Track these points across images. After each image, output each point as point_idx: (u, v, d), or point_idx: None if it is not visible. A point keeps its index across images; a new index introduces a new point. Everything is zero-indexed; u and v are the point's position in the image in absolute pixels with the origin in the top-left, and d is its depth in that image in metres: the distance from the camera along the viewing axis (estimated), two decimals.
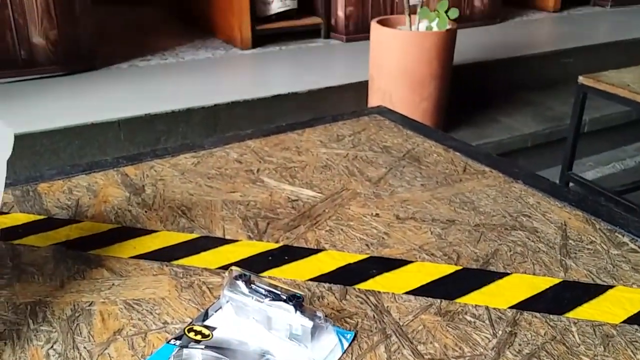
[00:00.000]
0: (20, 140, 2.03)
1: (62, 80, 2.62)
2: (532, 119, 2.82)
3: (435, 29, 2.40)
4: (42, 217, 0.76)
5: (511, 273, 0.65)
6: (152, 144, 2.29)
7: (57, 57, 2.59)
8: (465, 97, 2.88)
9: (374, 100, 2.54)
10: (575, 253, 0.69)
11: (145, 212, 0.77)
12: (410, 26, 2.47)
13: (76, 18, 2.59)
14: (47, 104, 2.35)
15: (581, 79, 2.11)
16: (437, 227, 0.74)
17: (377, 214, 0.77)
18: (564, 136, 2.41)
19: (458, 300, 0.61)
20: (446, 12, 2.38)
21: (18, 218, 0.75)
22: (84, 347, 0.54)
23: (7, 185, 0.80)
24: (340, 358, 0.53)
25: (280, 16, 3.32)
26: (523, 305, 0.60)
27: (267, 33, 3.27)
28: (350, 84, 2.71)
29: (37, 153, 2.07)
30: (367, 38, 2.56)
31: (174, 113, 2.31)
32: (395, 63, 2.40)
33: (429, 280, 0.64)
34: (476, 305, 0.60)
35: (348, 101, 2.71)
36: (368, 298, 0.61)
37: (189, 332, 0.54)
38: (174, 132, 2.33)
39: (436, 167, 0.91)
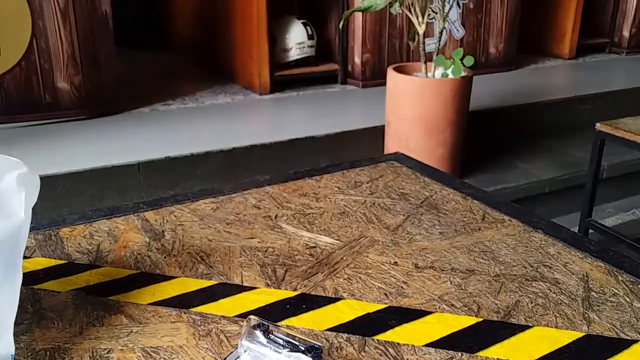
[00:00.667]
0: (43, 182, 2.06)
1: (85, 123, 2.68)
2: (550, 165, 2.80)
3: (451, 75, 2.44)
4: (63, 262, 0.76)
5: (533, 326, 0.64)
6: (171, 187, 2.32)
7: (80, 102, 2.66)
8: (482, 143, 2.89)
9: (390, 145, 2.56)
10: (598, 306, 0.68)
11: (165, 257, 0.78)
12: (427, 73, 2.51)
13: (100, 64, 2.67)
14: (69, 146, 2.40)
15: (599, 126, 2.11)
16: (456, 277, 0.73)
17: (395, 262, 0.77)
18: (583, 182, 2.40)
19: (479, 353, 0.60)
20: (461, 59, 2.41)
21: (39, 262, 0.76)
22: None
23: (30, 230, 0.81)
24: None
25: (299, 63, 3.39)
26: None
27: (285, 79, 3.33)
28: (367, 128, 2.73)
29: (59, 195, 2.11)
30: (383, 84, 2.60)
31: (192, 156, 2.34)
32: (412, 109, 2.43)
33: (449, 332, 0.63)
34: (498, 359, 0.59)
35: (365, 145, 2.73)
36: (387, 350, 0.60)
37: None
38: (193, 175, 2.36)
39: (454, 215, 0.91)
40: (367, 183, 1.04)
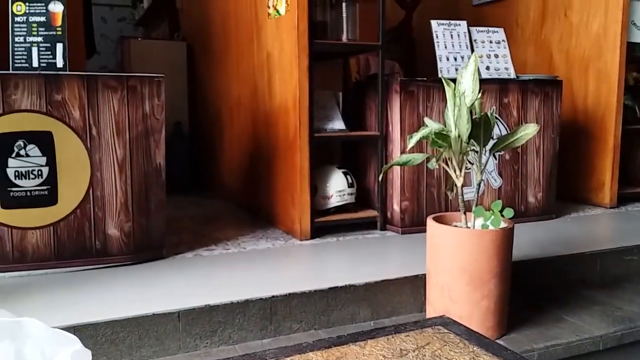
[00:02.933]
0: (84, 331, 2.08)
1: (130, 269, 2.75)
2: (601, 320, 2.67)
3: (491, 227, 2.44)
4: None
5: None
6: (209, 336, 2.29)
7: (128, 248, 2.76)
8: (527, 295, 2.80)
9: (432, 295, 2.51)
10: None
11: None
12: (466, 223, 2.52)
13: (150, 212, 2.79)
14: (113, 293, 2.44)
15: None
16: None
17: None
18: (638, 339, 2.27)
19: None
20: (501, 211, 2.43)
21: None
22: None
23: None
24: None
25: (339, 209, 3.48)
26: None
27: (325, 225, 3.40)
28: (408, 277, 2.71)
29: (98, 343, 2.10)
30: (423, 230, 2.62)
31: (232, 304, 2.34)
32: (453, 260, 2.41)
33: None
34: None
35: (406, 295, 2.69)
36: None
37: None
38: (231, 323, 2.34)
39: None
40: (414, 351, 1.01)
